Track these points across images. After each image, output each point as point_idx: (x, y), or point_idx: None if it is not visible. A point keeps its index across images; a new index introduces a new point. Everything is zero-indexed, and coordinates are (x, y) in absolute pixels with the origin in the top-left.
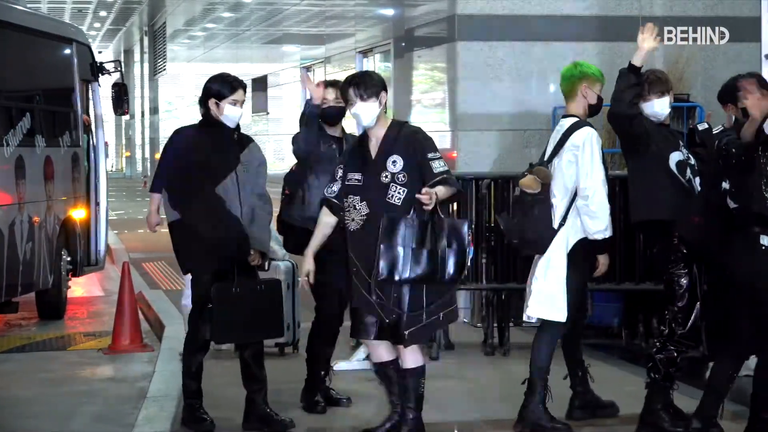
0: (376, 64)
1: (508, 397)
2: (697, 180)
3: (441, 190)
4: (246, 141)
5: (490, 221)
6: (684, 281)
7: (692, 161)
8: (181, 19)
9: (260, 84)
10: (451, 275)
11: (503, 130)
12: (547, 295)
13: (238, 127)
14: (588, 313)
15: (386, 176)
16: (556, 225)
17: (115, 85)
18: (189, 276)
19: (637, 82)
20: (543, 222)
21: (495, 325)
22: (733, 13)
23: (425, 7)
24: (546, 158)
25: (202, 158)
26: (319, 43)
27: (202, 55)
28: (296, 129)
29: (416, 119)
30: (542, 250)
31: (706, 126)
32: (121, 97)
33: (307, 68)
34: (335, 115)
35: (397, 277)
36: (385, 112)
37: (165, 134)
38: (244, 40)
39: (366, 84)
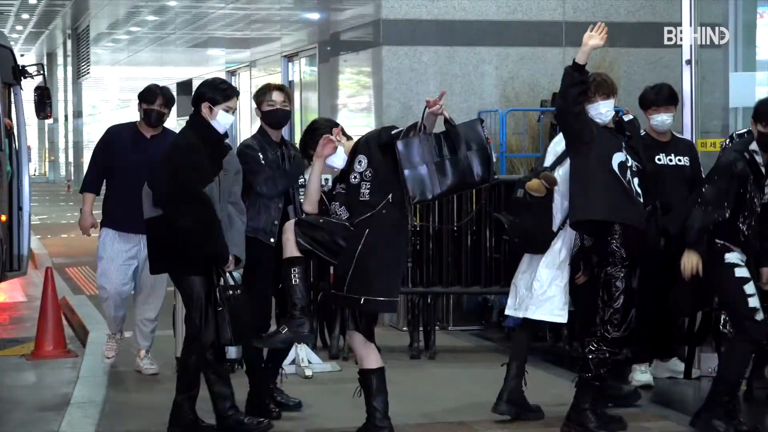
0: (301, 68)
1: (434, 399)
2: (636, 181)
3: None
4: (227, 148)
5: (415, 225)
6: (620, 284)
7: (631, 163)
8: (105, 22)
9: (185, 88)
10: (481, 176)
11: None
12: (548, 298)
13: (226, 134)
14: None
15: (355, 177)
16: (555, 228)
17: (37, 89)
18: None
19: (582, 79)
20: (544, 224)
21: (421, 328)
22: (655, 19)
23: (350, 11)
24: (549, 165)
25: (196, 158)
26: (244, 46)
27: (127, 59)
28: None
29: (342, 123)
30: (542, 251)
31: (631, 117)
32: (43, 101)
33: (232, 72)
34: (282, 119)
35: (429, 195)
36: None
37: (89, 138)
38: (169, 43)
39: None
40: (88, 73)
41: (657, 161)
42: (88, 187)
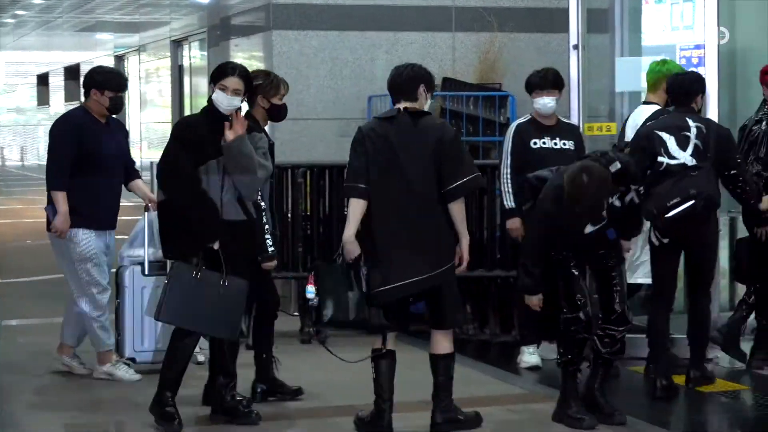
0: (191, 52)
1: (323, 383)
2: None
3: None
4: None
5: (306, 209)
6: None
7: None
8: None
9: (73, 73)
10: None
11: (319, 119)
12: (642, 262)
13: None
14: None
15: None
16: None
17: None
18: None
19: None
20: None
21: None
22: (543, 5)
23: None
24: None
25: (196, 139)
26: (133, 31)
27: (13, 43)
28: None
29: None
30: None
31: None
32: None
33: (120, 57)
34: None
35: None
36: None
37: None
38: (56, 27)
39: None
40: None
41: (542, 144)
42: (60, 184)
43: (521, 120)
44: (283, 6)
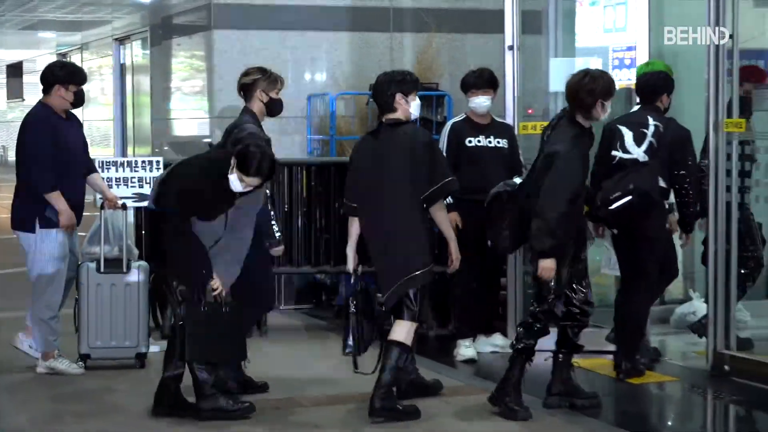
0: (133, 51)
1: (264, 376)
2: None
3: None
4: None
5: None
6: None
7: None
8: None
9: (16, 70)
10: None
11: None
12: None
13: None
14: None
15: None
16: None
17: None
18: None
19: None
20: None
21: None
22: (479, 6)
23: None
24: None
25: (203, 207)
26: (75, 29)
27: None
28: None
29: (176, 107)
30: None
31: None
32: None
33: (63, 55)
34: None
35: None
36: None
37: None
38: None
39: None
40: None
41: (477, 143)
42: (51, 186)
43: (456, 119)
44: (224, 6)
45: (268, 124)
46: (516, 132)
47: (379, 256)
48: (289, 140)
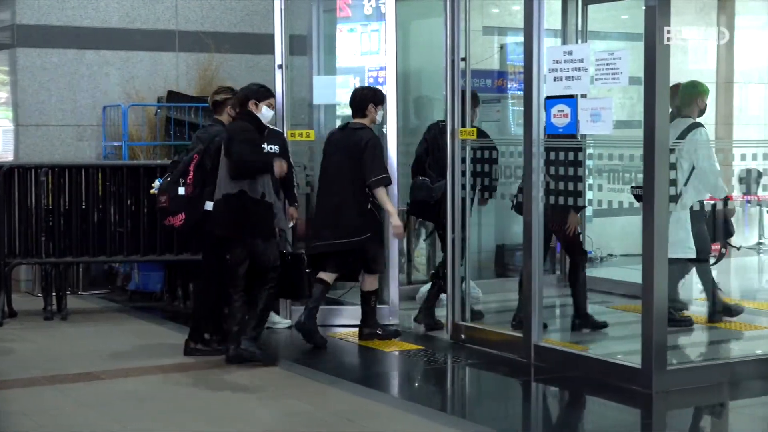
0: None
1: (65, 354)
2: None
3: None
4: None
5: (48, 204)
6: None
7: None
8: None
9: None
10: None
11: (59, 126)
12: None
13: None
14: None
15: None
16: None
17: None
18: None
19: None
20: None
21: (54, 293)
22: (253, 30)
23: None
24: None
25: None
26: None
27: None
28: None
29: None
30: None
31: None
32: None
33: None
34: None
35: None
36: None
37: None
38: None
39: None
40: None
41: None
42: None
43: None
44: (26, 26)
45: (69, 131)
46: (285, 137)
47: (324, 219)
48: (86, 146)
